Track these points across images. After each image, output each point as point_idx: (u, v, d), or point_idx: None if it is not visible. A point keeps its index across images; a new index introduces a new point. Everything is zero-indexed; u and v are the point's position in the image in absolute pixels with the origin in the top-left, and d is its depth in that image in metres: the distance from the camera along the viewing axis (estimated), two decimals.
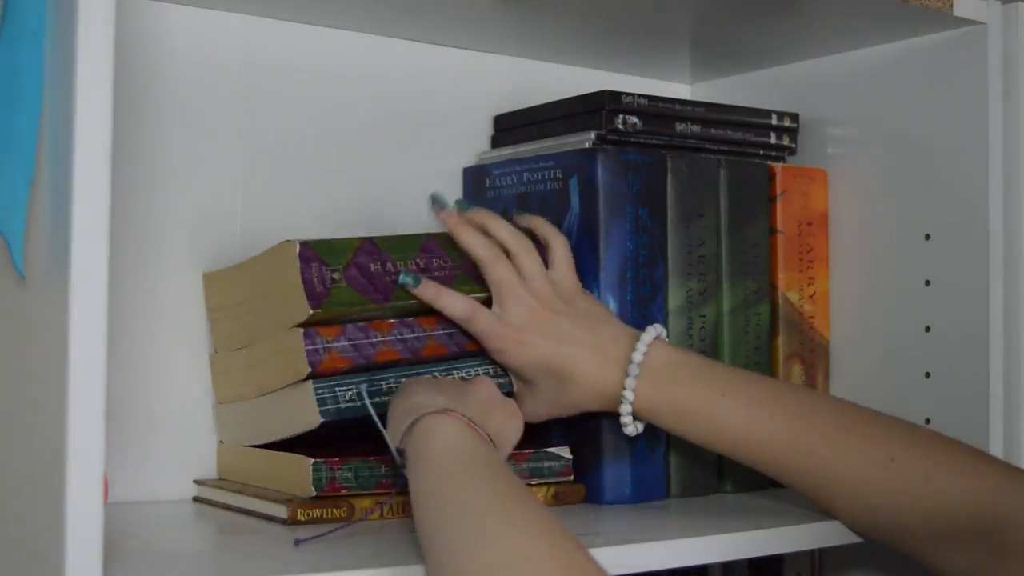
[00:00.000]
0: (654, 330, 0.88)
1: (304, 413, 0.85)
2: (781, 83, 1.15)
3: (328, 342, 0.85)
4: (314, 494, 0.83)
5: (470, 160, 1.09)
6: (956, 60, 1.01)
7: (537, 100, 1.07)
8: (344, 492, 0.84)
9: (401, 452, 0.76)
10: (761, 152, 1.07)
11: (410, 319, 0.88)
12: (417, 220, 1.07)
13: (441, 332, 0.89)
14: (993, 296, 0.98)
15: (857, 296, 1.08)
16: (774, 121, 1.08)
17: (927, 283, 1.03)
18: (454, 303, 0.87)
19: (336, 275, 0.85)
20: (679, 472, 0.98)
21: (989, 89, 0.99)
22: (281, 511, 0.83)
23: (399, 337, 0.87)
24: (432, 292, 0.87)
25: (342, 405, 0.85)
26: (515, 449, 0.86)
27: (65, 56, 0.61)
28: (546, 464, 0.92)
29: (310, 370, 0.84)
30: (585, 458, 0.95)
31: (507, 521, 0.66)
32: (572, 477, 0.93)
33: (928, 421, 1.02)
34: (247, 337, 0.92)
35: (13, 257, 0.67)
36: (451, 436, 0.74)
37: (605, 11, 0.99)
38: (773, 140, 1.07)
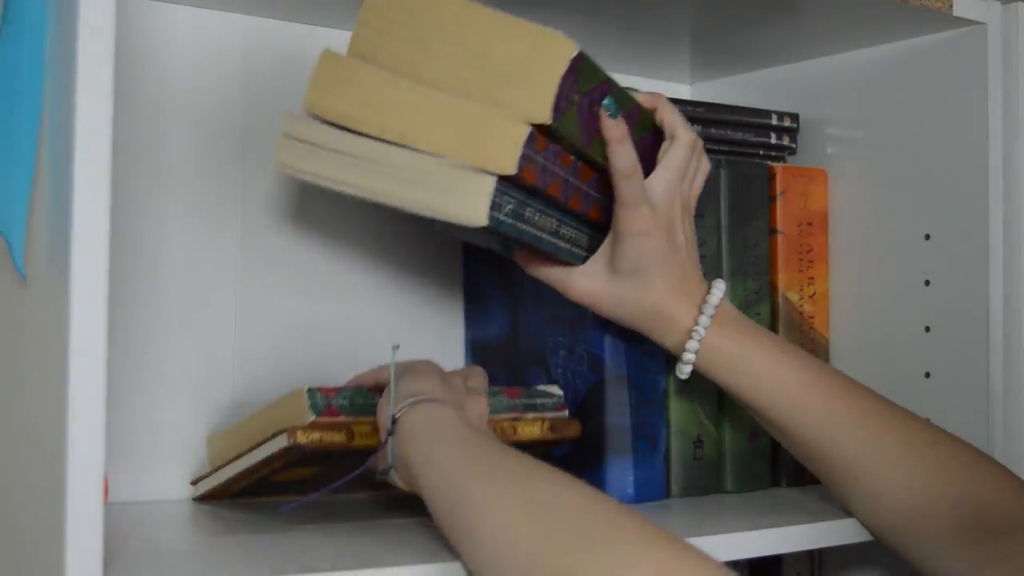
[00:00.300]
0: (722, 282, 0.89)
1: (468, 204, 0.75)
2: (781, 83, 1.15)
3: (536, 153, 0.76)
4: (313, 418, 0.82)
5: None
6: (956, 60, 1.01)
7: None
8: (342, 418, 0.84)
9: (394, 421, 0.78)
10: (761, 152, 1.07)
11: (578, 164, 0.83)
12: (418, 219, 1.07)
13: (585, 188, 0.85)
14: (993, 296, 0.99)
15: (857, 296, 1.08)
16: (774, 121, 1.08)
17: (927, 283, 1.03)
18: (627, 153, 0.84)
19: (576, 98, 0.78)
20: (680, 473, 0.98)
21: (989, 89, 0.99)
22: (282, 441, 0.82)
23: (566, 177, 0.81)
24: (620, 132, 0.83)
25: (501, 217, 0.76)
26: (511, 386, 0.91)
27: (65, 56, 0.61)
28: (539, 400, 0.93)
29: (513, 172, 0.74)
30: (587, 458, 0.95)
31: (537, 471, 0.70)
32: (566, 413, 0.94)
33: (928, 421, 1.02)
34: (422, 71, 0.78)
35: (13, 257, 0.67)
36: (457, 418, 0.78)
37: (605, 11, 0.99)
38: (773, 140, 1.07)
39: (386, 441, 0.78)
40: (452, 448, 0.74)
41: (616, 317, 0.89)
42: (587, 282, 0.88)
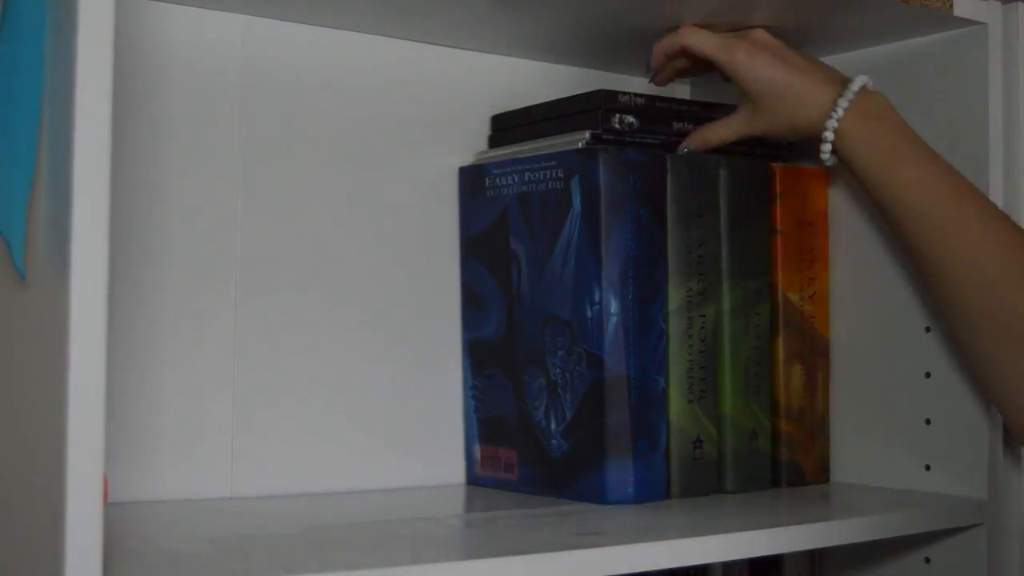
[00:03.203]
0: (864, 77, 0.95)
1: None
2: None
3: None
4: None
5: (469, 160, 1.09)
6: (956, 60, 1.01)
7: (535, 100, 1.07)
8: None
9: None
10: (759, 151, 1.07)
11: None
12: (416, 219, 1.07)
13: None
14: None
15: (857, 296, 1.08)
16: None
17: None
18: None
19: None
20: (680, 473, 0.98)
21: (989, 89, 0.99)
22: None
23: None
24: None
25: None
26: None
27: (65, 56, 0.61)
28: None
29: None
30: (587, 458, 0.95)
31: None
32: None
33: (928, 421, 1.02)
34: None
35: (13, 257, 0.67)
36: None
37: (604, 11, 0.99)
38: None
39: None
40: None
41: (775, 133, 0.99)
42: (737, 123, 1.00)
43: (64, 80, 0.61)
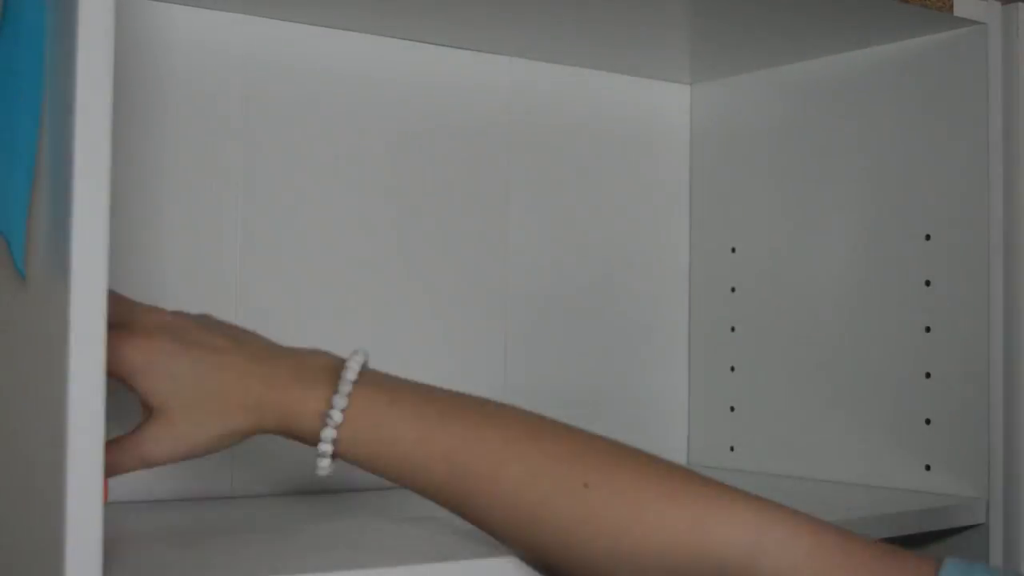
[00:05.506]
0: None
1: None
2: (781, 83, 1.15)
3: None
4: None
5: (465, 160, 1.09)
6: (956, 60, 1.01)
7: (533, 100, 1.07)
8: None
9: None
10: None
11: None
12: (414, 218, 1.07)
13: None
14: (993, 296, 0.99)
15: (857, 296, 1.08)
16: None
17: (927, 283, 1.03)
18: None
19: None
20: None
21: (989, 89, 0.99)
22: None
23: None
24: None
25: None
26: None
27: (65, 56, 0.61)
28: None
29: None
30: None
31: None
32: None
33: (928, 421, 1.02)
34: None
35: (14, 257, 0.67)
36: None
37: (604, 12, 0.99)
38: None
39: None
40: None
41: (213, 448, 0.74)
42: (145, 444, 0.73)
43: (64, 80, 0.61)
